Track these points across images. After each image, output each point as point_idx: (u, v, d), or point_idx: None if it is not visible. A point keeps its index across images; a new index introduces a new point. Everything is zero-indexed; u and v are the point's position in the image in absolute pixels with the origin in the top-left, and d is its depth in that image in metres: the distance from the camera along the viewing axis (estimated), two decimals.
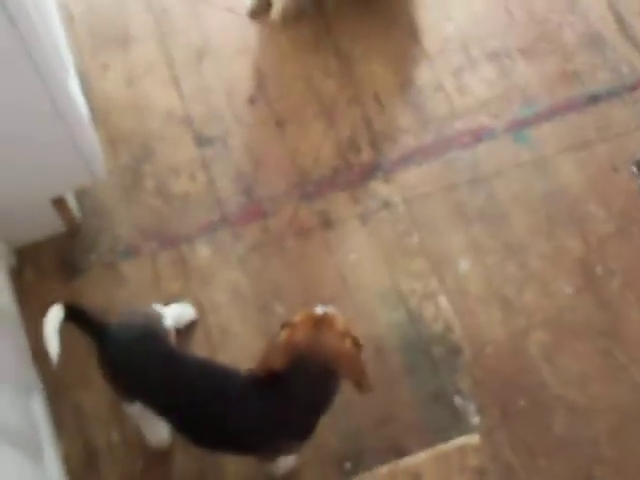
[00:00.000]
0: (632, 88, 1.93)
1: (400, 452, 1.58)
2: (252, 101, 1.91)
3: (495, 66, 1.94)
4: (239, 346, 1.69)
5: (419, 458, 1.55)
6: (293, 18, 1.96)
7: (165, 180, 1.85)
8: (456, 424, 1.62)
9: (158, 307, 1.50)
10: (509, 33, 1.98)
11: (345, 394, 1.38)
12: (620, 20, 2.00)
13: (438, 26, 1.99)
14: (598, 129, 1.88)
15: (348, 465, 1.60)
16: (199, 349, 1.68)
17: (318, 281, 1.75)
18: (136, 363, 1.39)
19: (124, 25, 1.99)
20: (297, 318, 1.33)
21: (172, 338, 1.44)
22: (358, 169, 1.86)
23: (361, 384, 1.34)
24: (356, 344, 1.33)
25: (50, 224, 1.75)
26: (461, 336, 1.69)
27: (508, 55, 1.95)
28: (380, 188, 1.83)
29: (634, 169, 1.85)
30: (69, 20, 1.99)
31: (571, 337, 1.69)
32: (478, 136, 1.88)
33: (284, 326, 1.34)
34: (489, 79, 1.93)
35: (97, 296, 1.72)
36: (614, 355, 1.67)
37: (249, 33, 1.98)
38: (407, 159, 1.86)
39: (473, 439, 1.56)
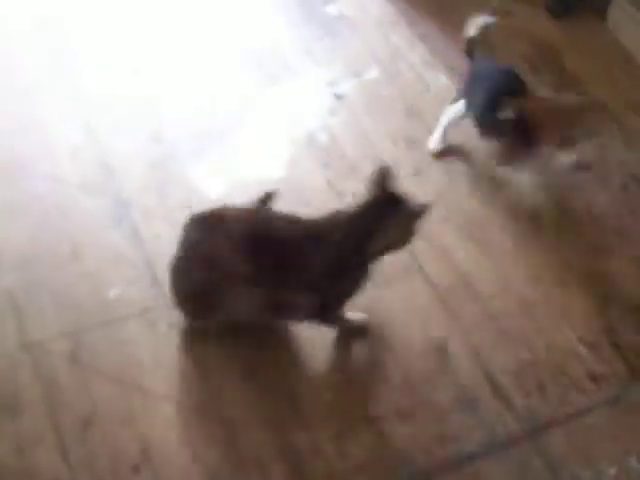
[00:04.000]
0: (506, 446, 2.15)
1: None
2: (136, 469, 2.04)
3: (373, 430, 2.16)
4: None
5: None
6: None
7: None
8: None
9: None
10: (387, 398, 2.22)
11: None
12: (491, 380, 2.27)
13: (318, 393, 2.22)
14: None
15: None
16: None
17: None
18: None
19: (13, 394, 2.16)
20: None
21: None
22: None
23: None
24: None
25: None
26: None
27: (386, 419, 2.17)
28: None
29: None
30: None
31: None
32: None
33: None
34: (367, 442, 2.13)
35: None
36: None
37: (135, 402, 2.16)
38: None
39: None
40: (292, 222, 2.17)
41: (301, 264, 2.12)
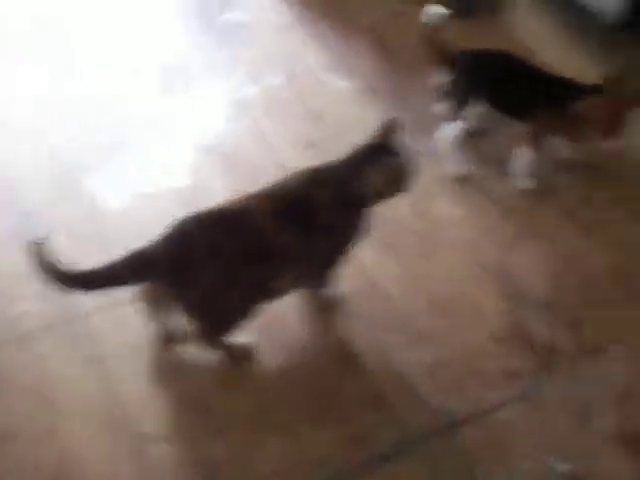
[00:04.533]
0: (420, 442, 2.14)
1: None
2: None
3: (287, 436, 2.12)
4: None
5: None
6: None
7: None
8: None
9: None
10: (299, 403, 2.20)
11: None
12: (404, 379, 2.26)
13: (230, 401, 2.19)
14: None
15: None
16: None
17: None
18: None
19: None
20: None
21: None
22: None
23: None
24: None
25: None
26: None
27: (300, 423, 2.15)
28: None
29: None
30: None
31: None
32: None
33: None
34: (282, 448, 2.10)
35: None
36: None
37: (51, 417, 2.12)
38: None
39: None
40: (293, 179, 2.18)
41: (316, 208, 2.14)
